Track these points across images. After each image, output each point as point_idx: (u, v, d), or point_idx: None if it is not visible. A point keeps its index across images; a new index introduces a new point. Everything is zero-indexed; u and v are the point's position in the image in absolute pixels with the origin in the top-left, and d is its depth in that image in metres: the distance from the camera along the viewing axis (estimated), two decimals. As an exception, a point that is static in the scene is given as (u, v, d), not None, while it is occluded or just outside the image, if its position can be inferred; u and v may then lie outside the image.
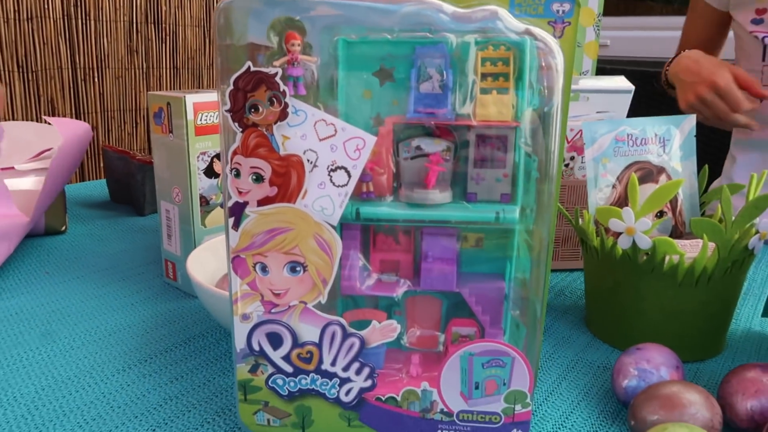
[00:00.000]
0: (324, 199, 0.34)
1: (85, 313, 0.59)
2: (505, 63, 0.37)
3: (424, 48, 0.36)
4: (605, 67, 1.47)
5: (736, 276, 0.53)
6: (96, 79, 1.66)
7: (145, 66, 1.76)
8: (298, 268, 0.35)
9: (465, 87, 0.36)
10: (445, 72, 0.36)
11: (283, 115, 0.34)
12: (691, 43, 1.10)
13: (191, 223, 0.62)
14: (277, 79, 0.33)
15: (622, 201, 0.61)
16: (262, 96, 0.33)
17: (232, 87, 0.33)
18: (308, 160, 0.34)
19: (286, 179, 0.34)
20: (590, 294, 0.59)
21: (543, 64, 0.34)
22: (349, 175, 0.34)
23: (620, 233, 0.52)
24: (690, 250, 0.55)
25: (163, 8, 1.78)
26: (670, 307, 0.52)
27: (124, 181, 0.97)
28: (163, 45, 1.80)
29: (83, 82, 1.63)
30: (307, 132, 0.34)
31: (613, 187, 0.61)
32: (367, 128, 0.36)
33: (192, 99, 0.60)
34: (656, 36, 2.09)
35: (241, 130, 0.34)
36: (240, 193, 0.34)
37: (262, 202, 0.34)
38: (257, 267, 0.35)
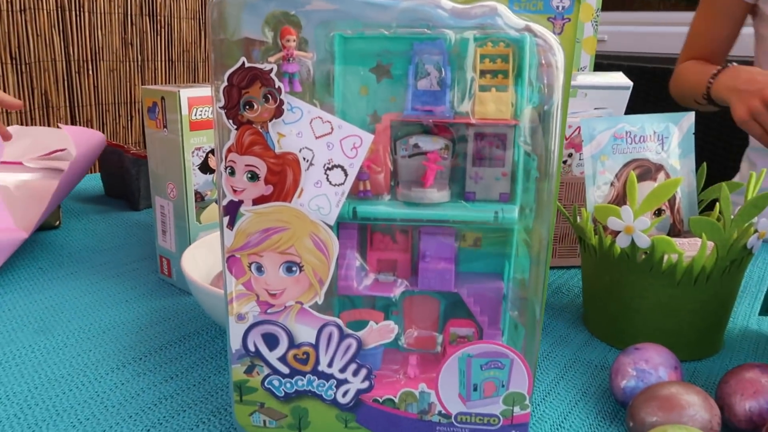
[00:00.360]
0: (320, 198, 0.34)
1: (79, 309, 0.58)
2: (504, 60, 0.36)
3: (421, 44, 0.35)
4: (602, 62, 1.47)
5: (734, 275, 0.52)
6: (90, 72, 1.65)
7: (139, 59, 1.75)
8: (294, 268, 0.34)
9: (463, 84, 0.36)
10: (443, 69, 0.36)
11: (278, 113, 0.33)
12: (705, 40, 1.02)
13: (186, 219, 0.62)
14: (272, 75, 0.33)
15: (621, 199, 0.60)
16: (257, 93, 0.33)
17: (226, 83, 0.33)
18: (304, 159, 0.34)
19: (281, 178, 0.34)
20: (588, 292, 0.59)
21: (543, 61, 0.33)
22: (346, 174, 0.34)
23: (619, 232, 0.52)
24: (689, 249, 0.55)
25: (158, 0, 1.77)
26: (668, 305, 0.52)
27: (118, 175, 0.96)
28: (158, 38, 1.78)
29: (77, 75, 1.62)
30: (302, 130, 0.33)
31: (612, 184, 0.60)
32: (363, 125, 0.35)
33: (186, 93, 0.59)
34: (654, 31, 2.09)
35: (235, 127, 0.33)
36: (235, 191, 0.34)
37: (257, 201, 0.34)
38: (252, 267, 0.35)
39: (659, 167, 0.62)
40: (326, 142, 0.34)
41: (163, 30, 1.79)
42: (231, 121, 0.33)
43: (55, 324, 0.55)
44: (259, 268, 0.35)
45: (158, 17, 1.78)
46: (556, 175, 0.35)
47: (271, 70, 0.32)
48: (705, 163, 0.64)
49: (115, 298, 0.61)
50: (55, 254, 0.73)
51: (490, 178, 0.37)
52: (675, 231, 0.62)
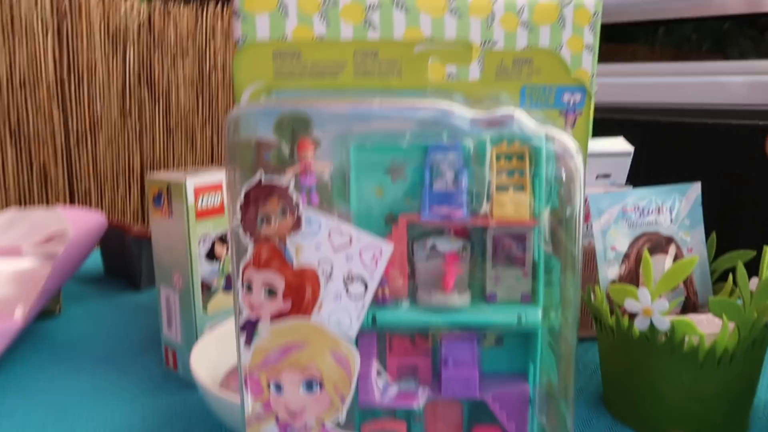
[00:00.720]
0: (340, 312, 0.33)
1: (82, 412, 0.56)
2: (520, 158, 0.36)
3: (437, 147, 0.35)
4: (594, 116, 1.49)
5: (757, 353, 0.51)
6: (89, 143, 1.66)
7: (138, 127, 1.77)
8: (314, 386, 0.33)
9: (480, 184, 0.35)
10: (459, 169, 0.36)
11: (296, 227, 0.32)
12: None
13: (192, 309, 0.60)
14: (290, 190, 0.32)
15: (633, 274, 0.60)
16: (275, 207, 0.32)
17: (242, 199, 0.32)
18: (323, 272, 0.33)
19: (300, 293, 0.33)
20: (607, 373, 0.57)
21: (562, 167, 0.33)
22: (366, 286, 0.33)
23: (636, 313, 0.51)
24: (707, 327, 0.54)
25: (156, 69, 1.80)
26: (693, 388, 0.51)
27: (119, 254, 0.95)
28: (156, 106, 1.81)
29: (76, 147, 1.63)
30: (321, 242, 0.33)
31: (624, 260, 0.60)
32: (379, 227, 0.35)
33: (192, 182, 0.59)
34: (643, 82, 2.13)
35: (252, 243, 0.32)
36: (252, 308, 0.33)
37: (275, 317, 0.33)
38: (271, 385, 0.33)
39: (669, 239, 0.62)
40: (345, 254, 0.33)
41: (161, 98, 1.82)
42: (248, 236, 0.32)
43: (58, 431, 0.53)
44: (278, 387, 0.33)
45: (156, 86, 1.81)
46: (579, 277, 0.35)
47: (289, 184, 0.32)
48: (714, 233, 0.64)
49: (120, 396, 0.59)
50: (55, 346, 0.71)
51: (510, 278, 0.37)
52: (690, 304, 0.61)
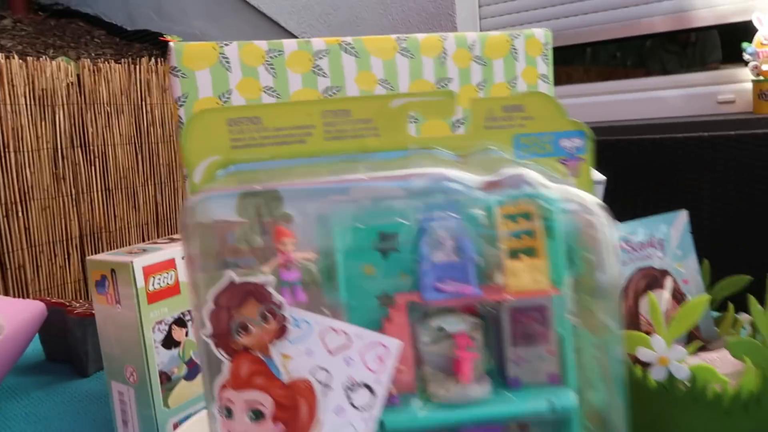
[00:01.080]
0: (345, 429, 0.27)
1: None
2: (526, 218, 0.31)
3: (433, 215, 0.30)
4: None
5: (780, 391, 0.48)
6: (20, 214, 1.54)
7: (74, 192, 1.65)
8: None
9: (488, 252, 0.31)
10: (460, 237, 0.31)
11: (281, 332, 0.26)
12: None
13: (152, 406, 0.52)
14: (270, 288, 0.26)
15: (634, 314, 0.56)
16: (252, 312, 0.26)
17: (212, 306, 0.26)
18: (319, 382, 0.27)
19: (293, 412, 0.26)
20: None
21: (582, 227, 0.29)
22: (374, 393, 0.27)
23: (650, 363, 0.46)
24: (722, 368, 0.50)
25: (90, 129, 1.70)
26: (719, 437, 0.46)
27: (60, 337, 0.85)
28: (92, 168, 1.70)
29: (5, 219, 1.51)
30: (313, 346, 0.27)
31: (622, 300, 0.56)
32: (374, 311, 0.29)
33: (141, 263, 0.52)
34: (581, 102, 2.18)
35: (228, 357, 0.26)
36: (234, 438, 0.26)
37: (264, 446, 0.27)
38: None
39: (664, 272, 0.58)
40: (344, 358, 0.27)
41: (97, 160, 1.71)
42: (222, 350, 0.26)
43: None
44: None
45: (91, 147, 1.70)
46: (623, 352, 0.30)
47: (267, 283, 0.26)
48: (707, 260, 0.61)
49: None
50: (-8, 461, 0.61)
51: (534, 358, 0.31)
52: (694, 340, 0.57)
